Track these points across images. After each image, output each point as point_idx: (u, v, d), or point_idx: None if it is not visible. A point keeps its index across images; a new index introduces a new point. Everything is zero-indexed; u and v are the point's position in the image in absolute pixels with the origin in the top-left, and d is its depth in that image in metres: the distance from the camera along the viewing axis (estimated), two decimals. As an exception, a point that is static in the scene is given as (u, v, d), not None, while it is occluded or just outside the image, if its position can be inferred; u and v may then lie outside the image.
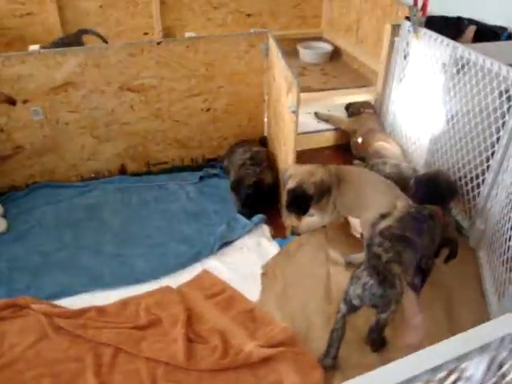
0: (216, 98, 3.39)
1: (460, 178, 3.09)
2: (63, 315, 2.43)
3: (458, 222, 3.09)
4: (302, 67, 4.64)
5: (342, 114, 3.98)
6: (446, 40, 3.07)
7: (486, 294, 2.65)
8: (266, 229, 3.04)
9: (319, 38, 4.94)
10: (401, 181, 3.20)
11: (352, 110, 3.88)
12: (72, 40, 3.72)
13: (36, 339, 2.33)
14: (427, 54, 3.26)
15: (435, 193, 3.00)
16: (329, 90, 4.10)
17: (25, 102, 3.01)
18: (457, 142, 3.09)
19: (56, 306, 2.50)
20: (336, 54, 4.78)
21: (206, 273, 2.72)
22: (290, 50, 4.78)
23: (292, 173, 2.73)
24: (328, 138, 3.84)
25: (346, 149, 3.77)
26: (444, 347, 1.02)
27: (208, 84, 3.32)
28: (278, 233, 3.04)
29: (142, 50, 3.06)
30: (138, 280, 2.67)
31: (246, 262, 2.81)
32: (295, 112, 2.60)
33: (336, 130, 3.84)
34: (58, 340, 2.33)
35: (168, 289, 2.60)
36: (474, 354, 1.02)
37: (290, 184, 2.68)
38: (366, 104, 3.87)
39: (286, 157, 2.96)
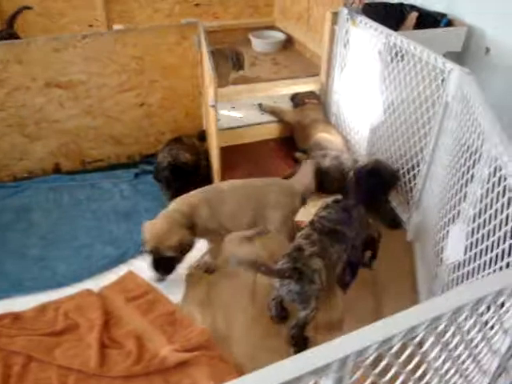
0: (149, 92, 3.29)
1: (398, 170, 3.03)
2: (-25, 323, 2.36)
3: (397, 215, 3.04)
4: (254, 57, 4.53)
5: (288, 105, 3.90)
6: (381, 28, 3.00)
7: (418, 288, 2.60)
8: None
9: (271, 27, 4.83)
10: (341, 174, 3.15)
11: (296, 100, 3.80)
12: (9, 32, 3.63)
13: None
14: (364, 42, 3.18)
15: (377, 182, 2.95)
16: (277, 80, 4.01)
17: None
18: (393, 132, 3.03)
19: (-31, 315, 2.44)
20: (289, 43, 4.68)
21: (130, 274, 2.65)
22: (242, 39, 4.69)
23: (146, 236, 2.42)
24: (271, 130, 3.75)
25: (289, 141, 3.70)
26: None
27: (139, 78, 3.22)
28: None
29: (67, 45, 2.95)
30: (59, 284, 2.59)
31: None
32: (214, 106, 2.52)
33: (280, 121, 3.75)
34: (-33, 351, 2.26)
35: (88, 292, 2.53)
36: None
37: (147, 248, 2.43)
38: (310, 94, 3.79)
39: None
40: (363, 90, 3.27)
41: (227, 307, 2.46)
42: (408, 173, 2.94)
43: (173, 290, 2.56)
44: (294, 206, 2.60)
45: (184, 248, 2.41)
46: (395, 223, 3.01)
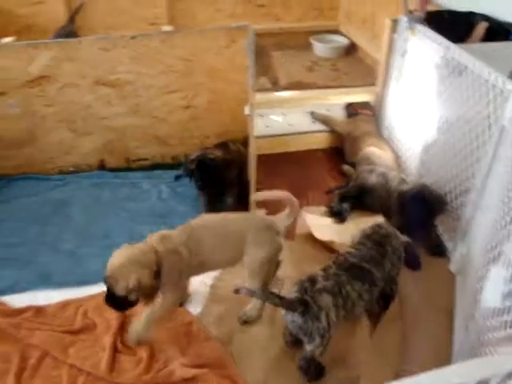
0: (196, 94, 3.26)
1: (445, 196, 2.81)
2: (1, 313, 2.44)
3: (442, 242, 2.81)
4: (313, 62, 4.40)
5: (341, 114, 3.74)
6: (440, 39, 2.78)
7: (454, 326, 2.38)
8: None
9: (335, 31, 4.66)
10: (386, 192, 2.97)
11: (350, 110, 3.64)
12: (70, 29, 3.74)
13: (-30, 335, 2.36)
14: (422, 53, 2.97)
15: (421, 209, 2.76)
16: (332, 87, 3.86)
17: (0, 94, 3.04)
18: (445, 153, 2.81)
19: (-2, 304, 2.52)
20: (352, 49, 4.50)
21: (153, 279, 2.63)
22: (303, 43, 4.56)
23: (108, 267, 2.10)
24: (321, 140, 3.61)
25: (338, 153, 3.54)
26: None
27: (186, 80, 3.20)
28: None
29: (116, 45, 2.98)
30: (86, 281, 2.61)
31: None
32: (249, 116, 2.43)
33: (330, 131, 3.61)
34: (-12, 339, 2.34)
35: (109, 293, 2.54)
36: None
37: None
38: (364, 105, 3.61)
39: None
40: (418, 104, 3.06)
41: (244, 328, 2.38)
42: (456, 198, 2.71)
43: (194, 302, 2.52)
44: (277, 245, 2.32)
45: (142, 288, 2.06)
46: (439, 251, 2.78)
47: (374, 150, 3.26)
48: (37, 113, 3.14)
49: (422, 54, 2.98)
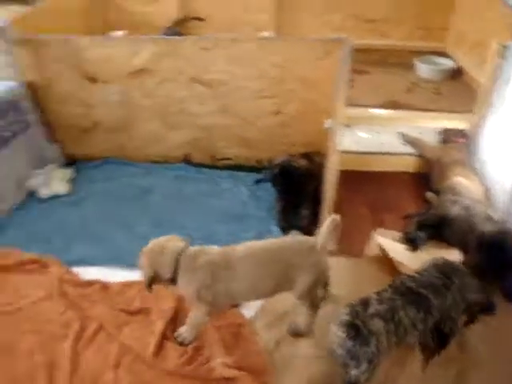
0: (286, 102, 3.29)
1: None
2: (71, 282, 2.62)
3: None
4: (414, 83, 4.23)
5: (433, 139, 3.57)
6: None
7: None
8: (296, 246, 2.88)
9: (442, 53, 4.46)
10: (468, 226, 2.78)
11: (443, 136, 3.46)
12: (175, 31, 3.94)
13: (43, 297, 2.55)
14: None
15: (498, 258, 2.55)
16: (429, 111, 3.69)
17: (105, 82, 3.27)
18: (540, 195, 2.58)
19: (71, 273, 2.70)
20: (458, 74, 4.26)
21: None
22: (407, 62, 4.41)
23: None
24: (408, 163, 3.48)
25: (425, 178, 3.38)
26: None
27: (278, 87, 3.23)
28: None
29: (215, 46, 3.09)
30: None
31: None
32: (330, 129, 2.40)
33: (419, 155, 3.46)
34: (58, 303, 2.51)
35: (170, 282, 2.64)
36: None
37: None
38: (459, 133, 3.42)
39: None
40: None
41: (292, 339, 2.34)
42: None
43: (249, 305, 2.53)
44: (322, 266, 2.22)
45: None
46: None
47: (461, 180, 3.07)
48: (134, 103, 3.34)
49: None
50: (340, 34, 4.51)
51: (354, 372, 1.93)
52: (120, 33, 3.26)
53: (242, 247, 2.22)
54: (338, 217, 2.20)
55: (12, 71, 3.08)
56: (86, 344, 2.33)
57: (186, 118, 3.39)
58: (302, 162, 3.09)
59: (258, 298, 2.37)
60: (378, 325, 1.88)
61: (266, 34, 3.39)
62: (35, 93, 3.29)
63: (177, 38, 3.23)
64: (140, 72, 3.21)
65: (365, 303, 1.95)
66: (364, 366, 1.89)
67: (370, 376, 1.93)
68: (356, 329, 1.86)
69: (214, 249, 2.22)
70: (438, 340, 2.19)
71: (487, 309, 2.39)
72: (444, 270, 2.14)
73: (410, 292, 2.00)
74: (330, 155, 2.48)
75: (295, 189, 3.05)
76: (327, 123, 2.41)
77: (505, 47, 2.98)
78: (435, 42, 4.51)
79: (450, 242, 2.84)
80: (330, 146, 2.43)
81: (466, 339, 2.32)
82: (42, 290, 2.59)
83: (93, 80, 3.26)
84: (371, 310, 1.92)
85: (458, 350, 2.26)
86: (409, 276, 2.12)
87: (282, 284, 2.19)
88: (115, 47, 3.13)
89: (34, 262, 2.77)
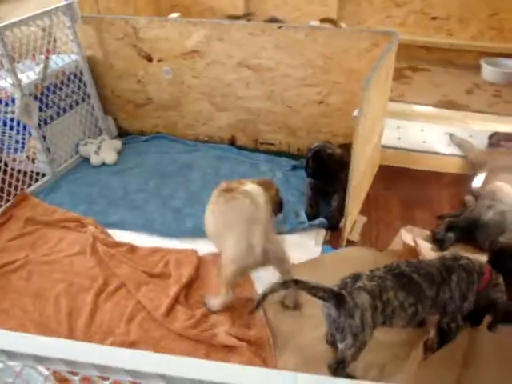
0: (330, 92, 3.31)
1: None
2: (104, 242, 2.82)
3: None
4: (476, 84, 4.09)
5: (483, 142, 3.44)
6: None
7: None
8: (321, 233, 2.92)
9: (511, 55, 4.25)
10: (501, 231, 2.69)
11: (492, 140, 3.32)
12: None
13: (76, 252, 2.79)
14: None
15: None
16: (484, 113, 3.57)
17: (159, 61, 3.47)
18: None
19: (105, 233, 2.92)
20: (526, 77, 4.07)
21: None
22: (472, 63, 4.26)
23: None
24: (453, 164, 3.37)
25: (467, 181, 3.27)
26: None
27: (324, 76, 3.26)
28: (334, 241, 2.88)
29: (263, 32, 3.18)
30: (178, 236, 2.90)
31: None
32: (356, 117, 2.42)
33: (464, 157, 3.35)
34: (89, 258, 2.73)
35: (192, 252, 2.76)
36: None
37: None
38: (509, 137, 3.26)
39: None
40: None
41: (296, 316, 2.40)
42: None
43: (265, 281, 2.60)
44: None
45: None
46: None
47: (503, 187, 2.95)
48: (185, 82, 3.51)
49: None
50: (402, 29, 4.49)
51: (340, 346, 1.96)
52: (175, 15, 3.43)
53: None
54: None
55: (75, 46, 3.35)
56: (106, 298, 2.52)
57: (233, 101, 3.51)
58: (338, 151, 3.10)
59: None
60: (363, 298, 1.89)
61: (314, 23, 3.41)
62: (96, 68, 3.56)
63: (226, 22, 3.34)
64: (192, 53, 3.37)
65: (356, 277, 1.97)
66: (349, 340, 1.91)
67: (356, 354, 1.95)
68: (341, 298, 1.88)
69: None
70: (437, 336, 2.17)
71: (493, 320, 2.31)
72: (447, 263, 2.10)
73: (402, 275, 1.99)
74: (355, 144, 2.48)
75: (326, 175, 3.05)
76: (355, 112, 2.42)
77: None
78: (506, 44, 4.29)
79: (481, 247, 2.77)
80: (355, 135, 2.44)
81: (475, 341, 2.27)
82: (77, 246, 2.83)
83: (148, 58, 3.46)
84: (360, 283, 1.94)
85: (461, 351, 2.22)
86: (408, 261, 2.11)
87: None
88: (170, 28, 3.30)
89: (74, 220, 3.02)
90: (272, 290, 1.96)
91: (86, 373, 0.95)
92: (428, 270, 2.07)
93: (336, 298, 1.89)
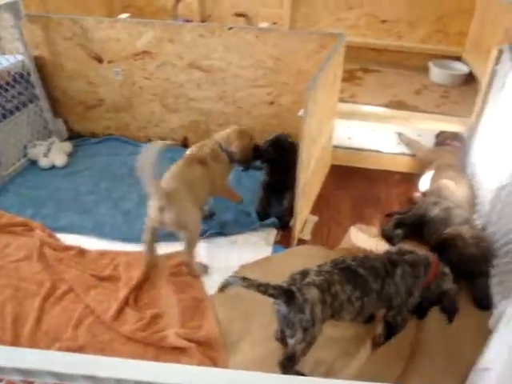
0: (281, 93, 3.35)
1: (505, 243, 2.54)
2: (52, 246, 2.77)
3: (488, 295, 2.54)
4: (424, 85, 4.20)
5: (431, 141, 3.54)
6: (539, 76, 2.52)
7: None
8: (272, 232, 2.94)
9: (458, 58, 4.38)
10: (445, 228, 2.77)
11: (438, 139, 3.43)
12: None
13: (23, 257, 2.73)
14: (520, 89, 2.71)
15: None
16: (432, 113, 3.66)
17: (110, 62, 3.43)
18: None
19: (53, 237, 2.86)
20: (471, 79, 4.19)
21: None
22: (421, 65, 4.37)
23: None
24: (402, 163, 3.46)
25: (416, 179, 3.36)
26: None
27: (274, 77, 3.29)
28: (285, 240, 2.91)
29: (213, 33, 3.18)
30: (128, 239, 2.86)
31: (229, 256, 2.78)
32: (302, 117, 2.46)
33: (413, 156, 3.44)
34: (36, 263, 2.67)
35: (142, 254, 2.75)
36: None
37: None
38: (455, 136, 3.37)
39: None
40: (503, 143, 2.80)
41: (247, 315, 2.41)
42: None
43: (216, 281, 2.61)
44: None
45: None
46: (482, 303, 2.53)
47: (448, 184, 3.04)
48: (136, 83, 3.48)
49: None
50: (354, 32, 4.58)
51: (290, 341, 1.98)
52: (125, 15, 3.40)
53: None
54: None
55: (21, 45, 3.27)
56: (53, 303, 2.47)
57: (185, 102, 3.50)
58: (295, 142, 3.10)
59: None
60: (313, 293, 1.92)
61: (265, 24, 3.44)
62: (44, 68, 3.48)
63: (176, 23, 3.34)
64: (142, 54, 3.34)
65: (304, 273, 2.01)
66: (299, 335, 1.93)
67: (306, 349, 1.97)
68: (291, 295, 1.91)
69: None
70: (384, 329, 2.22)
71: (448, 311, 2.37)
72: (391, 257, 2.15)
73: (348, 269, 2.04)
74: (301, 143, 2.52)
75: (283, 166, 3.05)
76: (301, 112, 2.45)
77: (501, 52, 2.94)
78: (453, 47, 4.43)
79: (428, 243, 2.84)
80: (301, 135, 2.48)
81: (422, 334, 2.34)
82: (23, 251, 2.76)
83: (99, 59, 3.42)
84: (308, 279, 1.97)
85: (408, 343, 2.29)
86: (354, 256, 2.16)
87: None
88: (119, 29, 3.27)
89: (21, 224, 2.95)
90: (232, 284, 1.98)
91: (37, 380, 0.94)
92: (373, 263, 2.12)
93: (286, 294, 1.91)
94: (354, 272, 2.05)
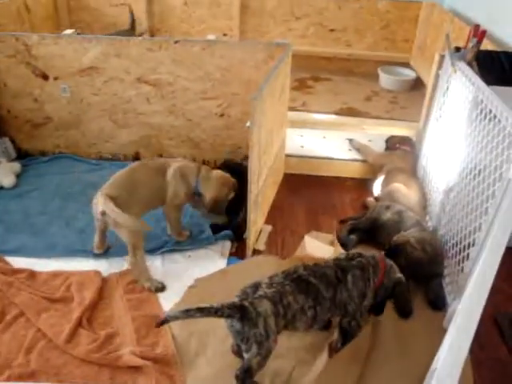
0: (231, 104, 3.36)
1: (456, 244, 2.60)
2: (0, 269, 2.68)
3: (441, 295, 2.60)
4: (374, 92, 4.31)
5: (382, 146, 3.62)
6: (475, 78, 2.61)
7: None
8: (226, 245, 2.93)
9: (406, 64, 4.52)
10: (398, 231, 2.83)
11: (389, 144, 3.50)
12: (129, 34, 4.06)
13: (-31, 283, 2.63)
14: (460, 92, 2.80)
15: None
16: (382, 119, 3.75)
17: (55, 78, 3.36)
18: (460, 201, 2.62)
19: (2, 261, 2.76)
20: (418, 84, 4.33)
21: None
22: (371, 72, 4.49)
23: None
24: (354, 169, 3.52)
25: (368, 184, 3.42)
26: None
27: (223, 89, 3.30)
28: (240, 252, 2.90)
29: (160, 47, 3.18)
30: (82, 258, 2.81)
31: (184, 270, 2.75)
32: (249, 127, 2.47)
33: (364, 161, 3.50)
34: (-17, 289, 2.58)
35: (96, 273, 2.69)
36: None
37: None
38: (405, 140, 3.46)
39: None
40: (449, 145, 2.89)
41: (203, 330, 2.39)
42: (462, 250, 2.50)
43: (172, 296, 2.59)
44: None
45: None
46: (436, 304, 2.58)
47: (400, 188, 3.11)
48: (84, 100, 3.42)
49: (459, 93, 2.82)
50: (304, 41, 4.66)
51: (245, 355, 1.97)
52: (70, 31, 3.35)
53: None
54: None
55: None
56: (3, 329, 2.38)
57: (134, 117, 3.47)
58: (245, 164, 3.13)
59: None
60: (265, 306, 1.92)
61: (211, 36, 3.45)
62: (-13, 87, 3.39)
63: (123, 38, 3.31)
64: (88, 70, 3.30)
65: (255, 286, 2.00)
66: (254, 349, 1.92)
67: (262, 362, 1.96)
68: (244, 310, 1.90)
69: None
70: (340, 336, 2.24)
71: (402, 302, 2.40)
72: (341, 263, 2.17)
73: (299, 279, 2.04)
74: (250, 153, 2.54)
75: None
76: (248, 123, 2.47)
77: (442, 57, 3.03)
78: (400, 53, 4.57)
79: (381, 246, 2.89)
80: (249, 145, 2.49)
81: (377, 337, 2.37)
82: (-30, 276, 2.66)
83: (44, 76, 3.35)
84: (260, 292, 1.97)
85: (365, 347, 2.31)
86: (305, 265, 2.16)
87: None
88: (64, 45, 3.22)
89: (-33, 249, 2.85)
90: (175, 318, 1.95)
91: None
92: (324, 271, 2.13)
93: (239, 310, 1.90)
94: (306, 281, 2.06)
